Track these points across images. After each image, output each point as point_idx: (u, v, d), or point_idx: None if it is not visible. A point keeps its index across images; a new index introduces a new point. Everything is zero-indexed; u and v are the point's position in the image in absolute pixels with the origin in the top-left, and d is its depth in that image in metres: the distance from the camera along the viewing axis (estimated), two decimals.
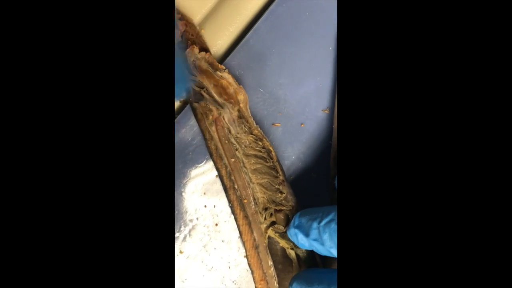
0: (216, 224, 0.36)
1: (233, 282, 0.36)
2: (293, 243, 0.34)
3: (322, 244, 0.29)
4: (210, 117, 0.33)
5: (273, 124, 0.37)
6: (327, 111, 0.37)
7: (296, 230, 0.31)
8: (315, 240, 0.30)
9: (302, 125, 0.37)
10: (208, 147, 0.33)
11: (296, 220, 0.31)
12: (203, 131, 0.33)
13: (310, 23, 0.37)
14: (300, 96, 0.37)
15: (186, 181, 0.36)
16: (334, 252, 0.29)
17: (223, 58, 0.37)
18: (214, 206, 0.36)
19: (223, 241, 0.36)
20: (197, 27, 0.36)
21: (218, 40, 0.37)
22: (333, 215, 0.29)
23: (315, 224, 0.30)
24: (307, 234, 0.30)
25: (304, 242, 0.31)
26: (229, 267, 0.36)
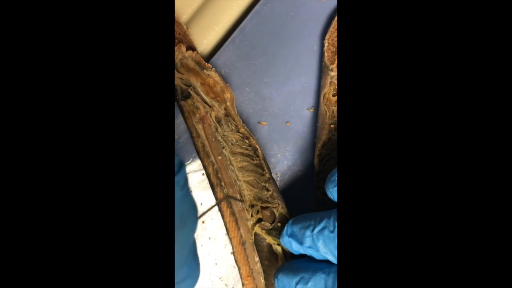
0: (203, 222, 0.36)
1: (219, 278, 0.36)
2: (279, 241, 0.34)
3: (317, 250, 0.30)
4: (197, 115, 0.33)
5: (259, 122, 0.37)
6: (311, 110, 0.37)
7: (290, 239, 0.31)
8: (309, 247, 0.30)
9: (288, 124, 0.38)
10: (195, 145, 0.33)
11: (288, 229, 0.32)
12: (190, 129, 0.33)
13: (295, 23, 0.38)
14: (285, 95, 0.37)
15: None
16: (329, 258, 0.30)
17: (209, 57, 0.38)
18: (201, 204, 0.36)
19: (209, 238, 0.36)
20: (184, 26, 0.36)
21: (204, 39, 0.38)
22: (325, 222, 0.29)
23: (308, 232, 0.30)
24: (301, 242, 0.31)
25: (298, 249, 0.31)
26: (216, 264, 0.36)
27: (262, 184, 0.34)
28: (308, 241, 0.30)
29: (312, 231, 0.30)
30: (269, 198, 0.34)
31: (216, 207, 0.34)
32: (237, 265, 0.34)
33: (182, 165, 0.25)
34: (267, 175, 0.34)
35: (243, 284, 0.34)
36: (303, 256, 0.33)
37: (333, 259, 0.29)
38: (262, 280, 0.34)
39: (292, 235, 0.31)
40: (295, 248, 0.31)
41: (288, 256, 0.34)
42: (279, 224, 0.34)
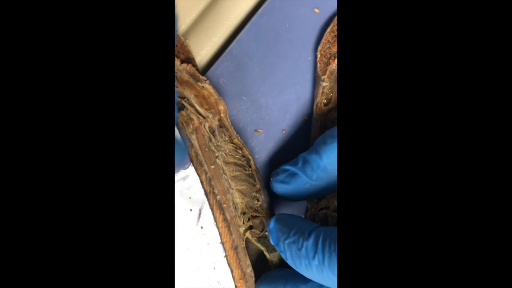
0: (202, 227, 0.37)
1: (218, 282, 0.37)
2: (268, 248, 0.35)
3: (286, 259, 0.30)
4: (191, 125, 0.34)
5: (255, 130, 0.38)
6: (306, 118, 0.38)
7: (270, 234, 0.32)
8: (281, 252, 0.31)
9: (283, 131, 0.38)
10: (188, 154, 0.34)
11: (271, 224, 0.32)
12: (184, 139, 0.34)
13: (290, 34, 0.38)
14: (281, 104, 0.38)
15: None
16: (294, 269, 0.30)
17: (206, 67, 0.39)
18: (200, 210, 0.37)
19: (208, 244, 0.37)
20: (182, 38, 0.37)
21: (202, 50, 0.39)
22: (296, 237, 0.29)
23: (282, 238, 0.30)
24: (276, 244, 0.31)
25: (277, 248, 0.32)
26: (214, 268, 0.37)
27: (253, 194, 0.35)
28: (281, 246, 0.30)
29: (285, 240, 0.30)
30: (259, 208, 0.35)
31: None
32: (230, 268, 0.35)
33: None
34: (258, 185, 0.35)
35: (235, 287, 0.35)
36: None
37: (301, 272, 0.30)
38: (254, 283, 0.35)
39: (271, 232, 0.31)
40: (272, 243, 0.32)
41: (274, 264, 0.36)
42: (266, 233, 0.35)
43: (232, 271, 0.35)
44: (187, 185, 0.37)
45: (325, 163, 0.32)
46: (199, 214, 0.37)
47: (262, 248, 0.35)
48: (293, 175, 0.33)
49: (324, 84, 0.36)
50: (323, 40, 0.36)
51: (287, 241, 0.30)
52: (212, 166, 0.34)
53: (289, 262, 0.30)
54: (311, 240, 0.28)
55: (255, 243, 0.35)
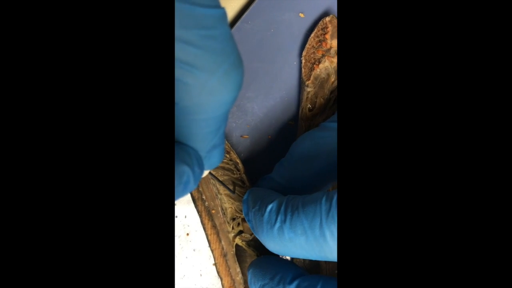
0: (187, 234, 0.37)
1: None
2: (259, 252, 0.35)
3: (253, 228, 0.30)
4: None
5: (241, 136, 0.38)
6: (292, 123, 0.38)
7: (243, 205, 0.32)
8: (249, 221, 0.31)
9: (269, 137, 0.38)
10: None
11: (245, 195, 0.32)
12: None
13: (275, 39, 0.38)
14: (267, 109, 0.38)
15: None
16: (288, 261, 0.31)
17: None
18: (185, 217, 0.37)
19: (194, 250, 0.37)
20: None
21: None
22: (259, 205, 0.30)
23: (251, 207, 0.31)
24: (246, 214, 0.31)
25: (246, 218, 0.32)
26: (201, 275, 0.37)
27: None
28: (250, 215, 0.30)
29: (253, 208, 0.30)
30: None
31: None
32: (219, 276, 0.35)
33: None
34: (248, 189, 0.35)
35: None
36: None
37: (263, 241, 0.30)
38: None
39: (244, 203, 0.32)
40: (244, 214, 0.32)
41: None
42: None
43: (221, 279, 0.35)
44: None
45: (293, 159, 0.33)
46: (185, 221, 0.37)
47: (253, 253, 0.35)
48: (270, 178, 0.34)
49: (308, 89, 0.36)
50: (307, 46, 0.36)
51: (253, 210, 0.30)
52: None
53: (254, 231, 0.30)
54: (273, 205, 0.29)
55: (245, 248, 0.35)
